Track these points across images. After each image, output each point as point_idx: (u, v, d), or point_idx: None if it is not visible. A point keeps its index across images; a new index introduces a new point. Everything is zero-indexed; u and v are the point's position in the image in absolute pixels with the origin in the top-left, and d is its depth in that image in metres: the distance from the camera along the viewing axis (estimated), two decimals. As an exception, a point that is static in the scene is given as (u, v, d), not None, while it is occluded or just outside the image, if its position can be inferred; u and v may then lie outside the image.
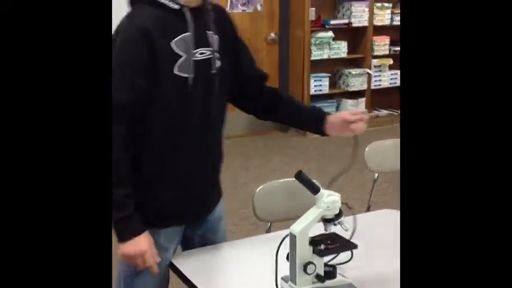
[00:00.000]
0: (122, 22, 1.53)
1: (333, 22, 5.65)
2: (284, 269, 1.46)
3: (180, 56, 1.51)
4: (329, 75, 5.78)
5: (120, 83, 1.44)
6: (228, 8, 5.40)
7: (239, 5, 5.45)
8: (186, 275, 1.61)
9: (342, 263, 1.50)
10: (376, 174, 2.74)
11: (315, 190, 1.43)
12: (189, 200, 1.65)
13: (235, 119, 5.65)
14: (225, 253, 1.77)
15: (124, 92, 1.45)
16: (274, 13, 5.64)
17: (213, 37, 1.59)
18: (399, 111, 6.30)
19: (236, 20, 5.95)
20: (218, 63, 1.61)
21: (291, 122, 1.91)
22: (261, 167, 4.85)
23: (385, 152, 2.72)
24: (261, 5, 5.56)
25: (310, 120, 1.78)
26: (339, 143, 5.41)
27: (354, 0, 5.68)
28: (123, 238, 1.52)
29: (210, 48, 1.58)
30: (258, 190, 2.09)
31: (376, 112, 6.16)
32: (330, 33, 5.61)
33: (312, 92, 5.67)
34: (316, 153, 5.17)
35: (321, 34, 5.59)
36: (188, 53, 1.52)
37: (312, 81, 5.65)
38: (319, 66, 5.69)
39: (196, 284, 1.57)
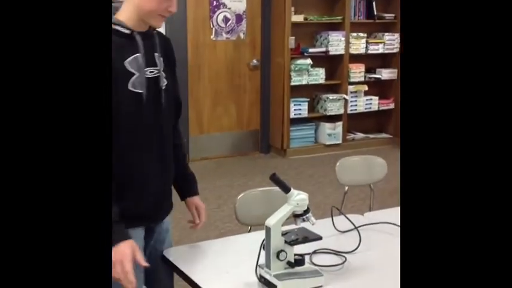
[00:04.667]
0: None
1: (311, 50, 5.96)
2: (261, 258, 1.74)
3: (133, 74, 1.71)
4: (308, 99, 6.07)
5: None
6: (212, 36, 5.71)
7: (223, 33, 5.76)
8: (179, 266, 1.87)
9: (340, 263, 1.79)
10: (346, 187, 3.05)
11: (286, 189, 1.72)
12: (144, 203, 1.82)
13: (220, 140, 5.98)
14: (213, 248, 2.03)
15: None
16: (256, 41, 5.96)
17: (160, 58, 1.80)
18: (374, 135, 6.65)
19: (220, 47, 6.37)
20: (164, 82, 1.81)
21: None
22: (244, 186, 5.11)
23: (353, 168, 3.02)
24: (244, 33, 5.87)
25: (181, 186, 2.03)
26: (317, 165, 5.72)
27: (331, 30, 6.02)
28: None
29: (157, 68, 1.78)
30: (239, 197, 2.37)
31: (352, 135, 6.47)
32: (309, 61, 5.90)
33: (292, 115, 5.97)
34: (294, 173, 5.46)
35: (300, 61, 5.89)
36: (140, 71, 1.73)
37: (291, 105, 5.94)
38: (299, 91, 5.99)
39: (188, 274, 1.82)
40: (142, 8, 1.71)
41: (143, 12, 1.71)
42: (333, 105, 6.11)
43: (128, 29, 1.73)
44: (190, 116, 5.73)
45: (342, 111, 6.18)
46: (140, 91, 1.73)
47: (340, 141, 6.22)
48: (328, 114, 6.11)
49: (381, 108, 6.52)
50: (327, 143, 6.15)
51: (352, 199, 4.34)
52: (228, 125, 5.98)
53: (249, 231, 2.36)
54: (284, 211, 1.71)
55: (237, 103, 5.98)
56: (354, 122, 6.39)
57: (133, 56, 1.72)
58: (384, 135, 6.67)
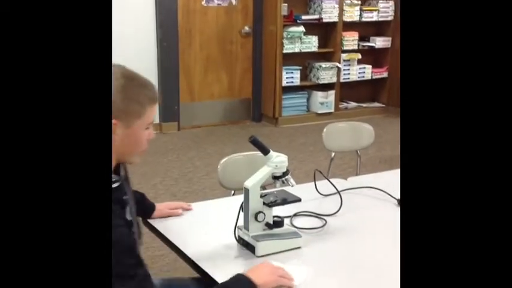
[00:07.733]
0: None
1: (304, 17, 5.89)
2: (240, 220, 1.73)
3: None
4: (300, 68, 6.02)
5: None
6: (203, 2, 5.62)
7: (215, 0, 5.68)
8: (158, 228, 1.86)
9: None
10: (333, 153, 3.03)
11: (265, 151, 1.70)
12: None
13: (211, 108, 5.94)
14: (194, 211, 2.02)
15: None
16: (248, 7, 5.87)
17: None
18: (366, 104, 6.60)
19: (212, 14, 6.30)
20: None
21: None
22: (235, 153, 5.10)
23: (340, 134, 3.00)
24: (235, 0, 5.80)
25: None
26: (309, 133, 5.71)
27: (325, -3, 5.95)
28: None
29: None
30: (222, 161, 2.35)
31: (344, 104, 6.44)
32: (302, 28, 5.84)
33: (284, 83, 5.92)
34: (286, 142, 5.44)
35: (293, 29, 5.82)
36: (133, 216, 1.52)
37: (284, 73, 5.89)
38: (291, 59, 5.93)
39: (167, 236, 1.81)
40: (129, 147, 1.47)
41: (128, 152, 1.49)
42: (325, 73, 6.06)
43: (115, 181, 1.44)
44: (181, 83, 5.68)
45: (334, 79, 6.14)
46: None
47: (332, 110, 6.19)
48: (320, 82, 6.07)
49: (374, 77, 6.47)
50: (319, 111, 6.13)
51: (342, 167, 4.34)
52: (219, 92, 5.94)
53: (233, 195, 2.35)
54: (263, 173, 1.69)
55: (228, 71, 5.93)
56: (347, 90, 6.35)
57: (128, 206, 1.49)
58: (376, 104, 6.64)
